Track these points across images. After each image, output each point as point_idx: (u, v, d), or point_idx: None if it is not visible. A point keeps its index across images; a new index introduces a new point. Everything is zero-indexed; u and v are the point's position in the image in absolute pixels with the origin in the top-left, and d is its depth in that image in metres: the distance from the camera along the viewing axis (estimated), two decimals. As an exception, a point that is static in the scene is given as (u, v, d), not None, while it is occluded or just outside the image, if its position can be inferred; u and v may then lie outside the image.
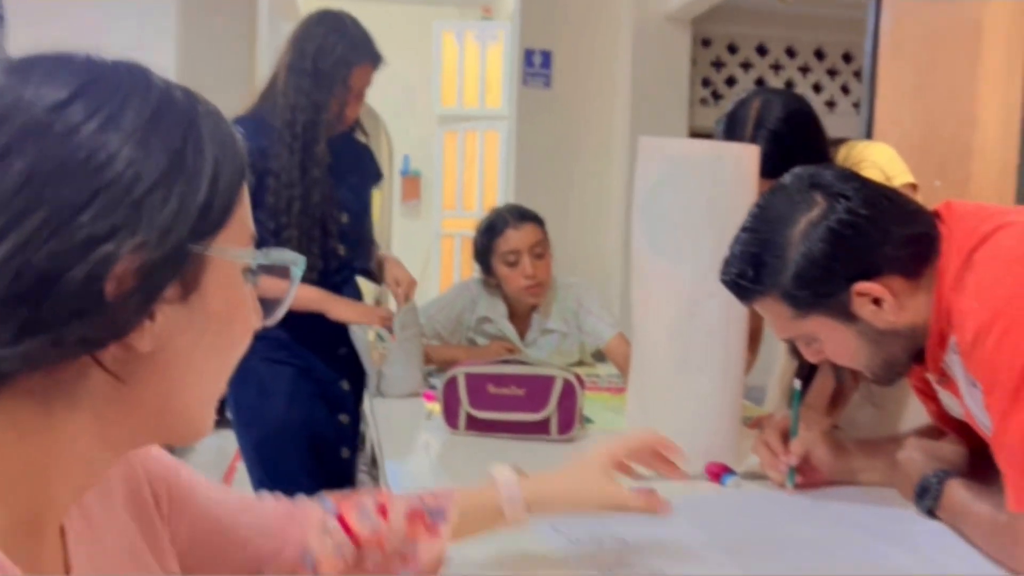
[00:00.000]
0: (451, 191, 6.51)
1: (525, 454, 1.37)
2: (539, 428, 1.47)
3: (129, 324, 0.47)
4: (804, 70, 4.45)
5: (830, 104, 4.47)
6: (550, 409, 1.46)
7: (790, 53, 4.44)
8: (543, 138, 3.99)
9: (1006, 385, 0.91)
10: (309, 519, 0.80)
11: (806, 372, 1.49)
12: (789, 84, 4.41)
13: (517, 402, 1.47)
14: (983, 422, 1.03)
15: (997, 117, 2.12)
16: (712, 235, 1.27)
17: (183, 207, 0.48)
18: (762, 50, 4.42)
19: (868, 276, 1.02)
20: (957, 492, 1.06)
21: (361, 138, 1.96)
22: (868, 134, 2.61)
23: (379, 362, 1.84)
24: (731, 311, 1.29)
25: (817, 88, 4.47)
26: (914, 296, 1.03)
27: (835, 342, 1.08)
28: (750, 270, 1.07)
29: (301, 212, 1.76)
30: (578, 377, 1.50)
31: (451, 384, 1.49)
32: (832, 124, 1.66)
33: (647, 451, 1.02)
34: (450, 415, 1.49)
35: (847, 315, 1.04)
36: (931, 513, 1.09)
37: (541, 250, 2.05)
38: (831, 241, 1.01)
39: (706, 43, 4.34)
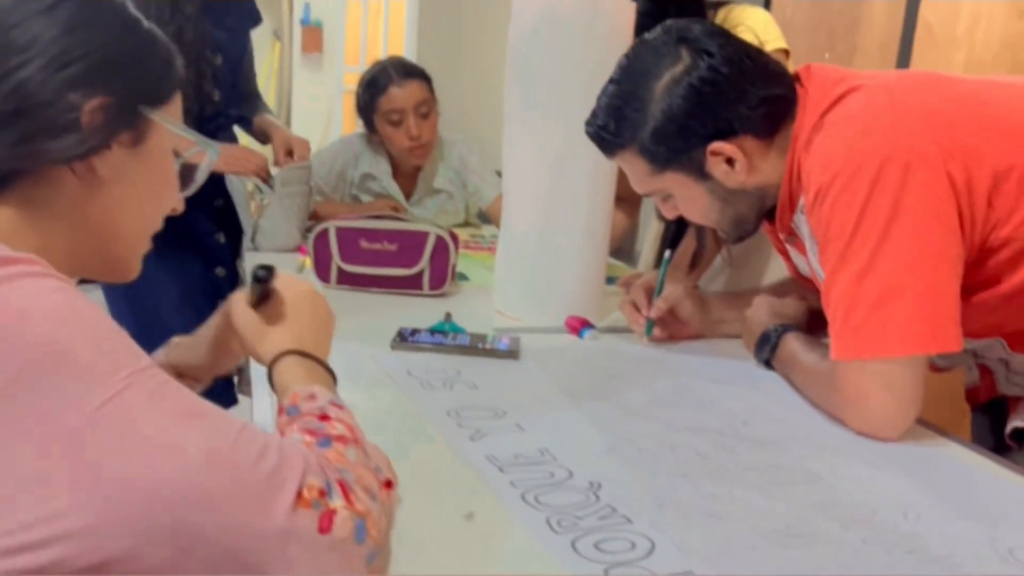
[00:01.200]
0: (355, 44, 6.22)
1: (396, 308, 1.40)
2: (411, 283, 1.48)
3: (94, 148, 0.65)
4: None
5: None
6: (422, 264, 1.47)
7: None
8: (447, -7, 3.81)
9: (838, 240, 0.96)
10: None
11: (672, 234, 1.54)
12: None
13: (389, 257, 1.47)
14: (822, 278, 1.09)
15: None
16: (583, 92, 1.26)
17: (144, 77, 0.69)
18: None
19: (723, 135, 1.04)
20: (791, 344, 1.13)
21: None
22: (766, 5, 2.62)
23: (256, 214, 1.80)
24: (599, 171, 1.31)
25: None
26: (766, 157, 1.06)
27: (687, 199, 1.11)
28: (612, 123, 1.07)
29: (191, 42, 1.66)
30: (452, 233, 1.51)
31: (322, 237, 1.48)
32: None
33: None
34: (321, 268, 1.49)
35: (700, 173, 1.07)
36: (768, 364, 1.18)
37: (427, 109, 2.00)
38: (690, 99, 1.02)
39: None
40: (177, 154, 0.75)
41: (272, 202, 1.77)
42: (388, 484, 0.67)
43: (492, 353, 1.18)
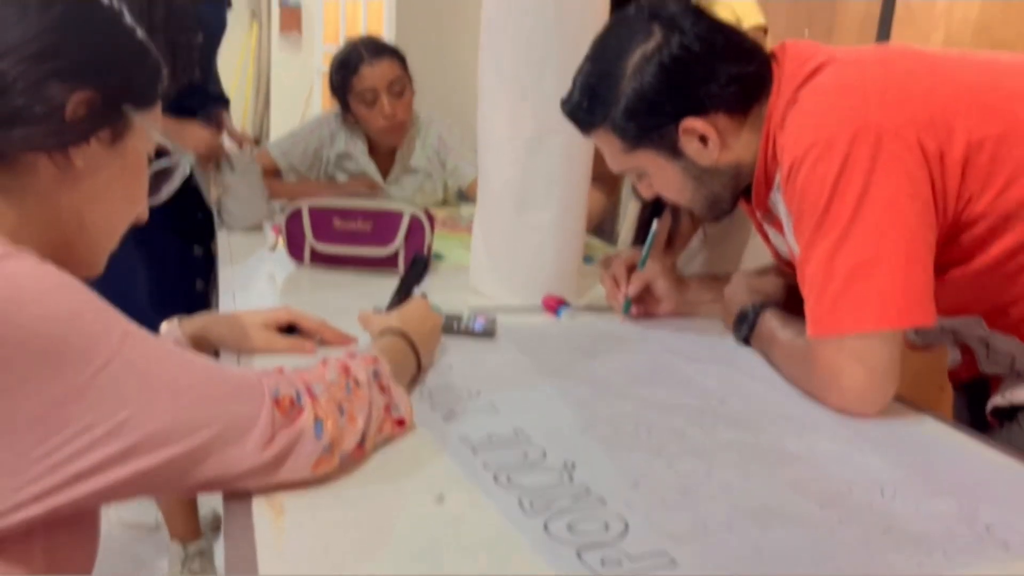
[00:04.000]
0: (333, 24, 6.14)
1: (370, 287, 1.37)
2: (386, 263, 1.46)
3: (73, 139, 0.68)
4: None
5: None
6: (397, 244, 1.45)
7: None
8: (426, -31, 3.75)
9: (811, 215, 0.94)
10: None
11: (649, 213, 1.53)
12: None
13: (363, 236, 1.45)
14: (798, 254, 1.08)
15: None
16: (558, 67, 1.24)
17: (132, 79, 0.73)
18: None
19: (695, 113, 1.02)
20: (769, 321, 1.12)
21: None
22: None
23: (215, 196, 1.77)
24: (574, 148, 1.29)
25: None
26: (739, 135, 1.05)
27: (661, 177, 1.09)
28: (585, 101, 1.06)
29: (163, 21, 1.62)
30: (427, 212, 1.48)
31: (295, 217, 1.45)
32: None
33: (308, 323, 1.08)
34: (294, 248, 1.46)
35: (673, 151, 1.05)
36: (746, 341, 1.17)
37: (400, 87, 1.96)
38: (660, 77, 1.01)
39: None
40: (151, 160, 0.78)
41: (233, 180, 1.74)
42: (400, 422, 0.83)
43: (467, 333, 1.16)
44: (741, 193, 1.11)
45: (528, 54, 1.25)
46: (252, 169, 1.79)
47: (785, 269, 1.24)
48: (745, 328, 1.16)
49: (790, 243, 1.08)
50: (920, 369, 1.58)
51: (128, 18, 0.74)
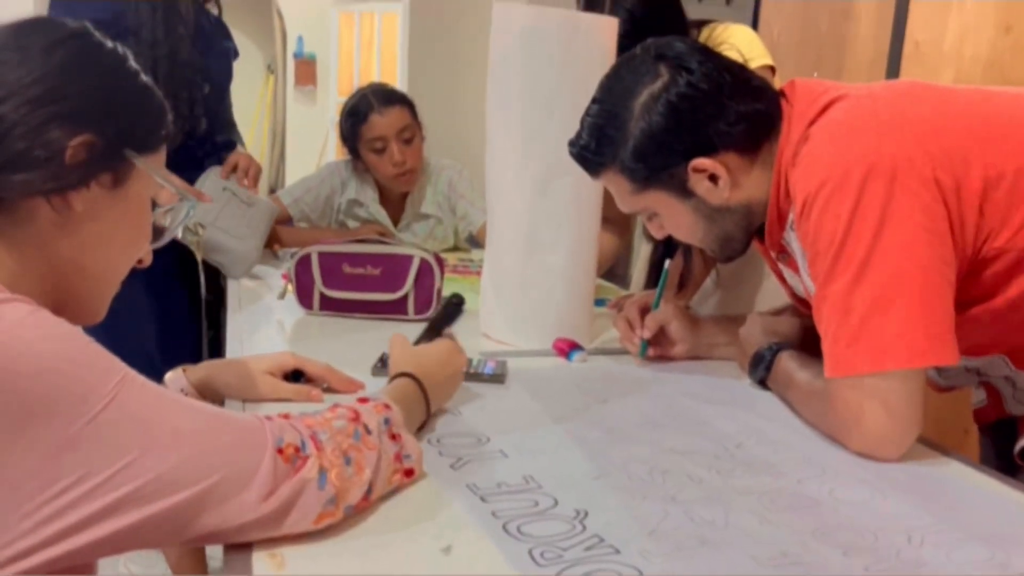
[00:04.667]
0: (347, 76, 6.23)
1: (379, 333, 1.35)
2: (395, 308, 1.44)
3: (73, 183, 0.67)
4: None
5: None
6: (407, 288, 1.44)
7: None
8: (437, 21, 3.82)
9: (826, 252, 0.93)
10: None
11: (661, 255, 1.51)
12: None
13: (373, 282, 1.44)
14: (813, 293, 1.06)
15: (870, 10, 2.15)
16: (565, 110, 1.24)
17: (134, 124, 0.72)
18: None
19: (705, 152, 1.01)
20: (786, 363, 1.10)
21: (213, 9, 1.83)
22: (754, 24, 2.62)
23: (201, 251, 1.73)
24: (583, 189, 1.28)
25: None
26: (749, 173, 1.03)
27: (672, 217, 1.08)
28: (593, 142, 1.06)
29: (168, 74, 1.65)
30: (436, 256, 1.47)
31: (304, 263, 1.44)
32: (729, 17, 1.69)
33: (314, 369, 1.05)
34: (303, 295, 1.45)
35: (683, 191, 1.04)
36: (763, 383, 1.14)
37: (410, 135, 1.97)
38: (669, 116, 1.00)
39: (607, -75, 4.21)
40: (155, 204, 0.77)
41: (210, 233, 1.70)
42: (410, 472, 0.80)
43: (477, 378, 1.14)
44: (754, 232, 1.10)
45: (534, 97, 1.25)
46: (259, 203, 1.77)
47: (801, 309, 1.22)
48: (761, 370, 1.14)
49: (805, 282, 1.06)
50: (944, 410, 1.54)
51: (132, 62, 0.74)
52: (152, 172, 0.74)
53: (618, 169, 1.05)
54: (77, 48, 0.70)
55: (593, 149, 1.06)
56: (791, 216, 1.03)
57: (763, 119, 1.03)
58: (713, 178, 1.02)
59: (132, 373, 0.63)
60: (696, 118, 1.00)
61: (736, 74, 1.04)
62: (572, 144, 1.09)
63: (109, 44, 0.73)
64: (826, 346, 0.94)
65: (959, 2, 1.89)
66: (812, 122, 0.99)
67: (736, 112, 1.01)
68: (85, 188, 0.68)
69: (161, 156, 0.76)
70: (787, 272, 1.14)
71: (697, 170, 1.02)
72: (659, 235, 1.13)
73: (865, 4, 2.17)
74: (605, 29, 1.26)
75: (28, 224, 0.68)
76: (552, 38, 1.23)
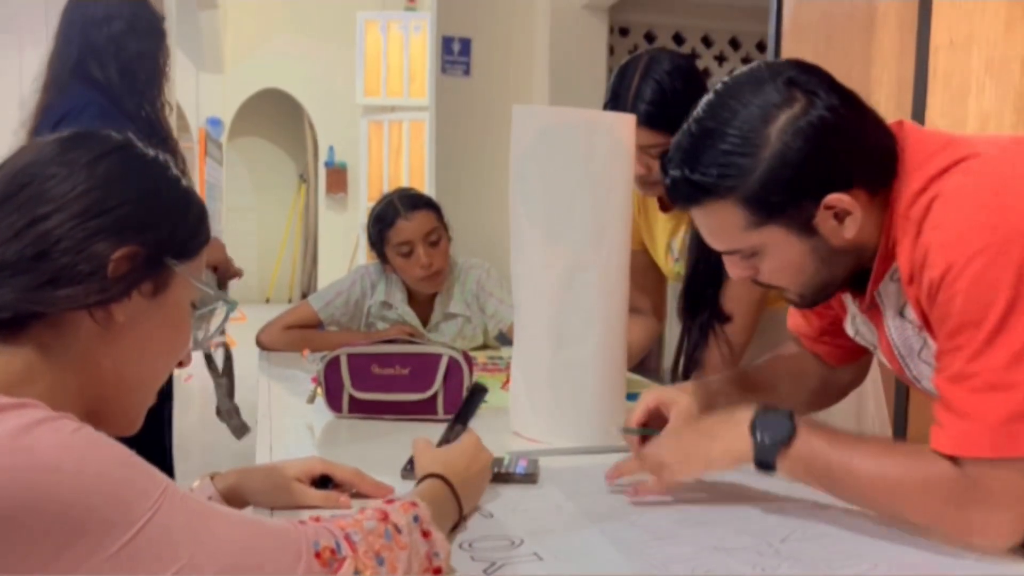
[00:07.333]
0: (377, 182, 6.43)
1: (409, 434, 1.33)
2: (425, 407, 1.43)
3: (115, 295, 0.68)
4: (720, 59, 4.50)
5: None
6: (436, 387, 1.43)
7: (706, 42, 4.49)
8: (463, 126, 3.95)
9: (980, 324, 0.84)
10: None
11: (692, 347, 1.48)
12: (706, 72, 4.46)
13: (402, 382, 1.43)
14: (903, 355, 0.99)
15: (889, 94, 2.17)
16: (587, 206, 1.25)
17: (175, 232, 0.73)
18: (679, 39, 4.45)
19: (841, 187, 0.91)
20: (812, 445, 0.94)
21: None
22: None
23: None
24: (609, 281, 1.28)
25: (733, 76, 4.53)
26: (870, 215, 0.94)
27: (782, 257, 0.96)
28: (713, 169, 0.92)
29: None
30: (465, 354, 1.47)
31: (333, 365, 1.44)
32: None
33: (343, 474, 1.03)
34: (332, 398, 1.45)
35: (807, 228, 0.93)
36: (762, 467, 0.96)
37: (436, 237, 2.01)
38: (810, 143, 0.90)
39: (624, 32, 4.36)
40: (194, 307, 0.77)
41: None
42: (438, 571, 0.78)
43: (509, 478, 1.11)
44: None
45: (555, 193, 1.27)
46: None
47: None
48: (767, 458, 0.96)
49: (892, 340, 1.00)
50: None
51: (173, 169, 0.75)
52: (192, 279, 0.75)
53: (738, 200, 0.92)
54: (120, 160, 0.71)
55: (715, 176, 0.92)
56: (893, 268, 0.95)
57: (891, 156, 0.93)
58: (838, 216, 0.92)
59: (172, 487, 0.62)
60: (838, 147, 0.91)
61: (862, 103, 0.94)
62: (674, 168, 0.95)
63: (151, 153, 0.75)
64: (970, 420, 0.85)
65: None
66: (937, 176, 0.90)
67: (873, 145, 0.92)
68: (127, 299, 0.69)
69: (201, 259, 0.77)
70: (860, 321, 1.06)
71: (829, 206, 0.91)
72: (738, 276, 1.01)
73: (882, 89, 2.19)
74: (623, 125, 1.28)
75: (70, 337, 0.68)
76: (571, 135, 1.26)
